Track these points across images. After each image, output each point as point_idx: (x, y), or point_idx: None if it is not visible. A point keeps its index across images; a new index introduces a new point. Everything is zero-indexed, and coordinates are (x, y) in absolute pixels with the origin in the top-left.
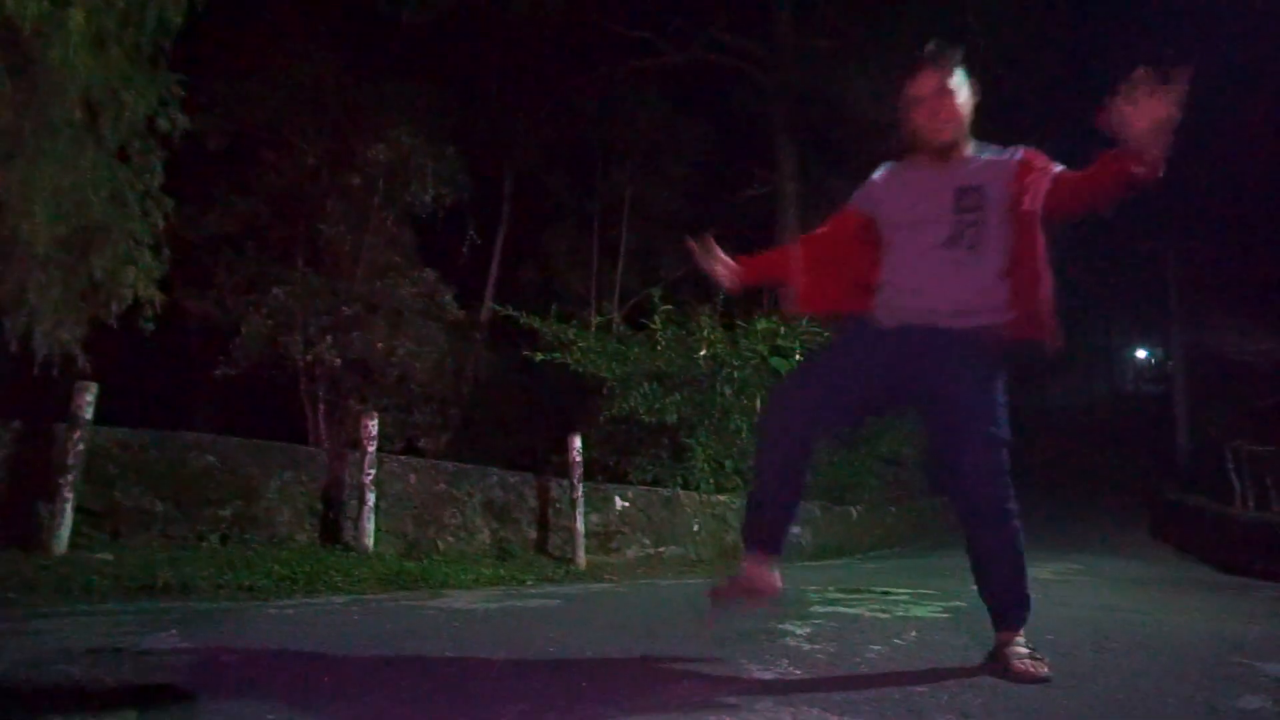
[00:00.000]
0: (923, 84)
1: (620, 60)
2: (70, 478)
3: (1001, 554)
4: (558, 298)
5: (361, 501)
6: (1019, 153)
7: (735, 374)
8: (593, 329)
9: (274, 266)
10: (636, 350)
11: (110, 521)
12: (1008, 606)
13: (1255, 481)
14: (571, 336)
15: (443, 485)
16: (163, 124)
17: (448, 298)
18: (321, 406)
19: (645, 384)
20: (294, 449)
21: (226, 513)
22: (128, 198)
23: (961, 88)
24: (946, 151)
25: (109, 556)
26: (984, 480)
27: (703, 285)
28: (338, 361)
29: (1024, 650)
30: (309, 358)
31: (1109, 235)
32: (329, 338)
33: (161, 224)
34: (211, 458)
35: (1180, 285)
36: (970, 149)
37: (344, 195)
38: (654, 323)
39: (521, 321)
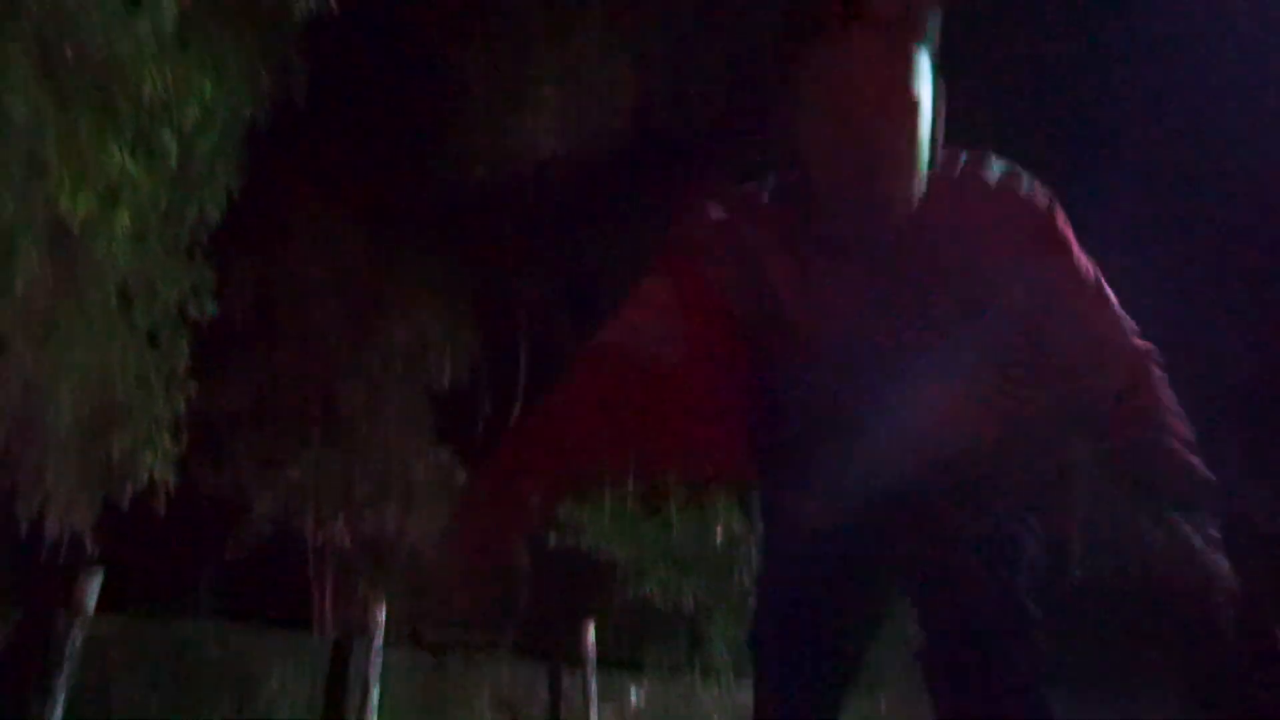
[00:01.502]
0: (855, 64)
1: (637, 236)
2: (66, 671)
3: None
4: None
5: (365, 694)
6: (1029, 193)
7: (752, 554)
8: (607, 509)
9: (290, 444)
10: (650, 532)
11: (105, 715)
12: None
13: None
14: (585, 517)
15: (451, 678)
16: (193, 311)
17: (462, 478)
18: (329, 589)
19: (660, 567)
20: (297, 638)
21: (225, 705)
22: (152, 381)
23: (924, 86)
24: (879, 209)
25: None
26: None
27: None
28: (348, 543)
29: None
30: (320, 539)
31: None
32: (340, 518)
33: (183, 407)
34: (213, 649)
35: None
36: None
37: (362, 373)
38: (668, 502)
39: (534, 502)
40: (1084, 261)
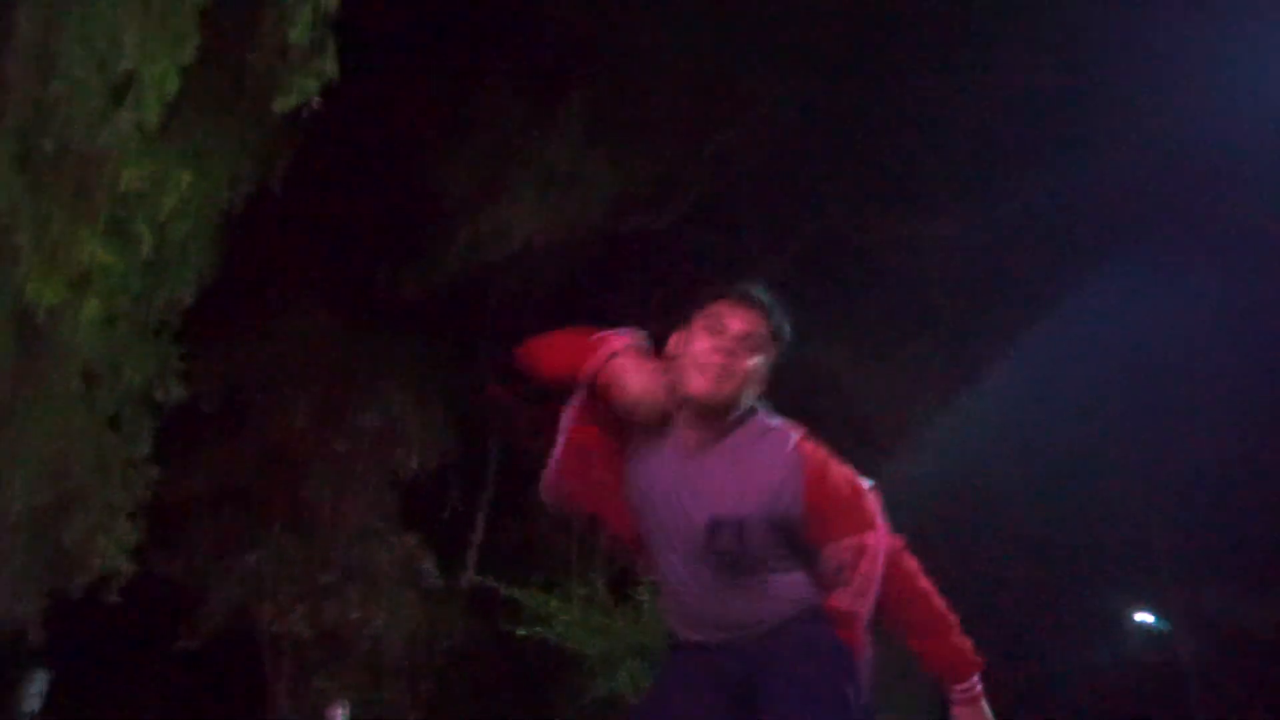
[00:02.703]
0: (729, 318)
1: (607, 324)
2: None
3: None
4: (541, 563)
5: None
6: (792, 444)
7: None
8: (575, 600)
9: (251, 528)
10: (621, 623)
11: None
12: None
13: None
14: (553, 609)
15: None
16: (159, 394)
17: (427, 565)
18: (285, 682)
19: (631, 660)
20: None
21: None
22: (112, 466)
23: (765, 349)
24: (715, 416)
25: None
26: None
27: None
28: (307, 633)
29: None
30: (276, 629)
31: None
32: (300, 607)
33: (142, 492)
34: None
35: (1170, 546)
36: (741, 424)
37: (330, 458)
38: (639, 593)
39: (503, 593)
40: (845, 498)
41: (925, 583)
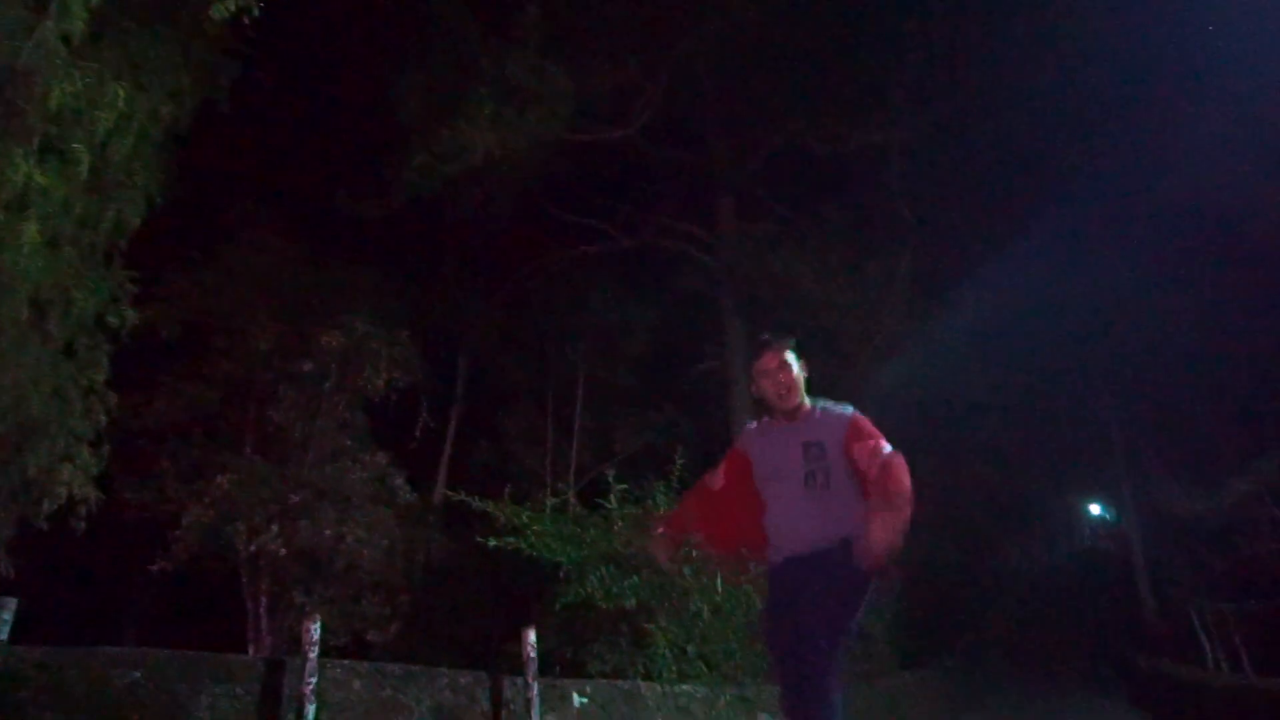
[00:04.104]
0: (766, 362)
1: (572, 245)
2: None
3: (796, 710)
4: (512, 478)
5: (299, 715)
6: (848, 412)
7: (694, 552)
8: (547, 511)
9: (220, 454)
10: (592, 532)
11: None
12: None
13: (1225, 642)
14: (525, 520)
15: (389, 690)
16: (112, 320)
17: (399, 482)
18: (264, 601)
19: (602, 568)
20: (227, 659)
21: None
22: (70, 394)
23: (795, 363)
24: (791, 413)
25: None
26: (807, 667)
27: (658, 461)
28: (283, 552)
29: None
30: (253, 549)
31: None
32: (274, 527)
33: (104, 419)
34: (137, 674)
35: (1125, 444)
36: (808, 405)
37: (296, 381)
38: (609, 502)
39: (474, 505)
40: (869, 431)
41: (898, 485)
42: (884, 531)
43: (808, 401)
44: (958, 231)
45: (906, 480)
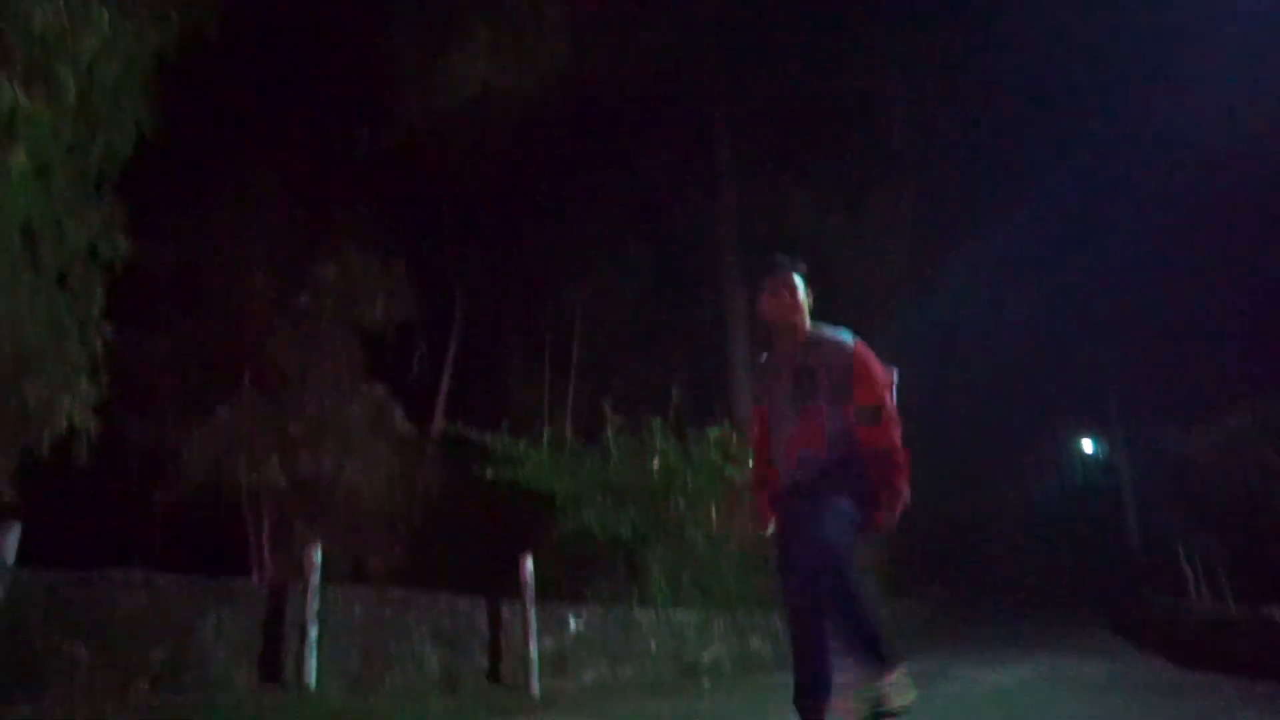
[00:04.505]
0: (774, 283)
1: (570, 183)
2: None
3: (848, 631)
4: (510, 412)
5: (303, 637)
6: (849, 343)
7: (688, 484)
8: (544, 444)
9: (219, 387)
10: (589, 464)
11: (31, 671)
12: (868, 661)
13: (1208, 573)
14: (522, 452)
15: (389, 614)
16: (105, 250)
17: (398, 414)
18: (266, 531)
19: (598, 498)
20: (230, 584)
21: (157, 656)
22: (66, 324)
23: (801, 288)
24: (792, 331)
25: (28, 711)
26: (814, 576)
27: (654, 396)
28: (284, 483)
29: (892, 684)
30: (254, 480)
31: (1052, 336)
32: (275, 459)
33: (100, 350)
34: (142, 597)
35: (1119, 381)
36: (809, 329)
37: (293, 314)
38: (606, 435)
39: (472, 438)
40: (871, 365)
41: (891, 439)
42: (889, 513)
43: (809, 326)
44: (960, 174)
45: (904, 458)
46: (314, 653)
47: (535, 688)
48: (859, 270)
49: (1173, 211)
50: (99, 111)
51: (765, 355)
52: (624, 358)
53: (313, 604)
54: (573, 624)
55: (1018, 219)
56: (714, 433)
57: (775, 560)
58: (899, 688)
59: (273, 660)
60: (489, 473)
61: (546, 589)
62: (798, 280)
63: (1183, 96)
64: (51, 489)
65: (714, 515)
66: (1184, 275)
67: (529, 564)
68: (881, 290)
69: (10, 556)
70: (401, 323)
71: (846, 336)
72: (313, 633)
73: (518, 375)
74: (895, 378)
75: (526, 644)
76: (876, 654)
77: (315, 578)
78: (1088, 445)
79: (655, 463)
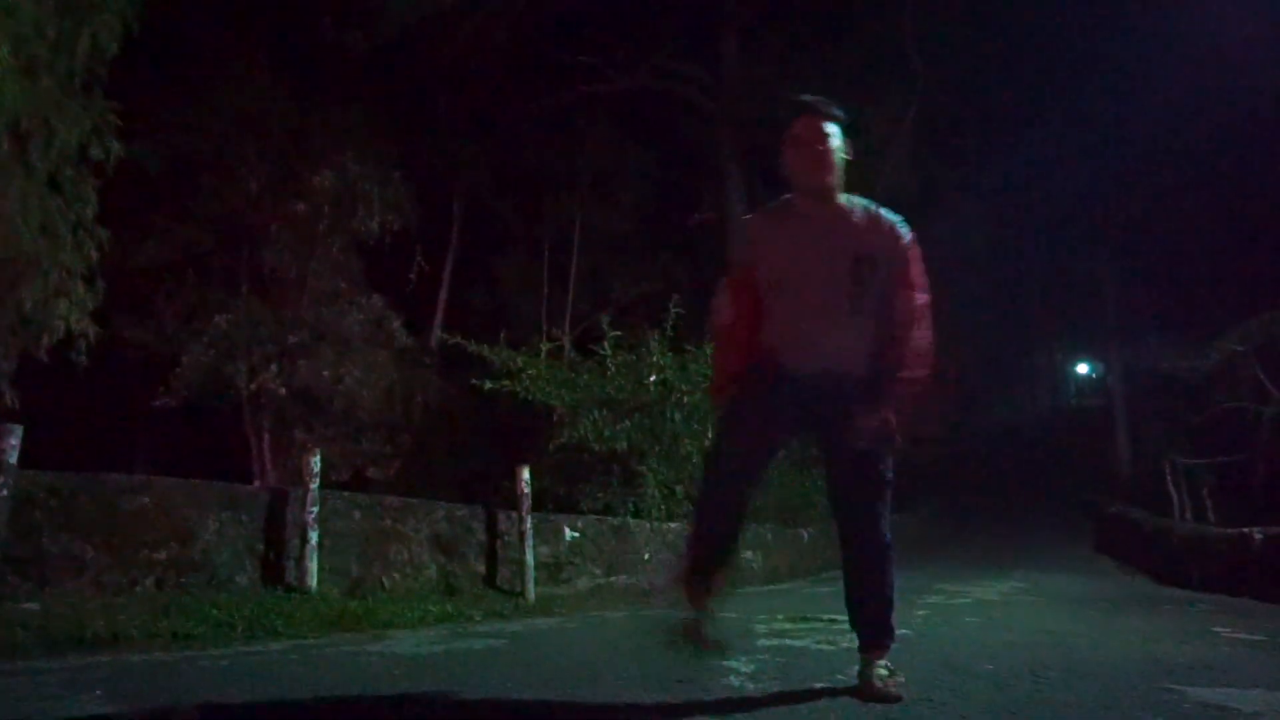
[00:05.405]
0: (805, 126)
1: (567, 86)
2: None
3: (873, 585)
4: (508, 323)
5: (304, 540)
6: (906, 235)
7: (685, 399)
8: (542, 355)
9: (216, 294)
10: (586, 377)
11: (37, 569)
12: (872, 634)
13: (1192, 494)
14: (520, 364)
15: (388, 521)
16: (96, 152)
17: (396, 325)
18: (266, 438)
19: (595, 411)
20: (233, 488)
21: (162, 556)
22: (59, 228)
23: (838, 139)
24: (821, 195)
25: (35, 606)
26: (865, 511)
27: (653, 310)
28: (283, 391)
29: (883, 672)
30: (253, 387)
31: (1052, 256)
32: (274, 366)
33: (95, 254)
34: (145, 499)
35: (1117, 304)
36: (842, 199)
37: (289, 222)
38: (604, 348)
39: (470, 349)
40: (913, 256)
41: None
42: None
43: (842, 195)
44: (966, 87)
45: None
46: (315, 557)
47: (531, 593)
48: (859, 177)
49: (1176, 124)
50: (83, 5)
51: (769, 208)
52: (623, 267)
53: (312, 510)
54: (568, 533)
55: (1020, 134)
56: (710, 348)
57: (750, 420)
58: (895, 676)
59: (275, 564)
60: (486, 385)
61: (543, 497)
62: (834, 129)
63: (1200, 20)
64: (56, 394)
65: (709, 431)
66: (1183, 192)
67: (526, 474)
68: (879, 203)
69: (13, 457)
70: (399, 232)
71: (903, 226)
72: (313, 537)
73: (516, 285)
74: None
75: (523, 551)
76: (885, 622)
77: (314, 484)
78: (1083, 367)
79: (653, 378)
